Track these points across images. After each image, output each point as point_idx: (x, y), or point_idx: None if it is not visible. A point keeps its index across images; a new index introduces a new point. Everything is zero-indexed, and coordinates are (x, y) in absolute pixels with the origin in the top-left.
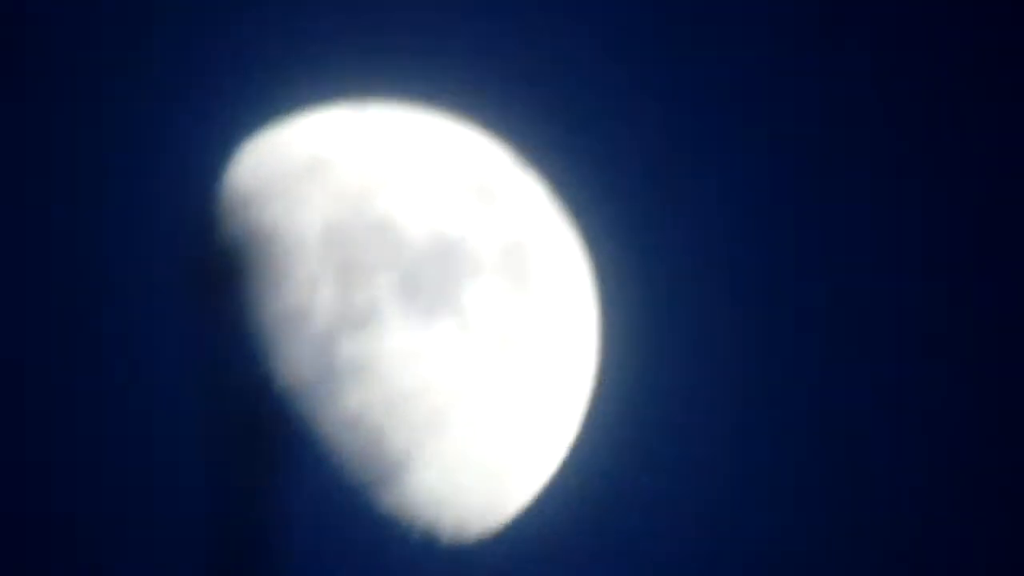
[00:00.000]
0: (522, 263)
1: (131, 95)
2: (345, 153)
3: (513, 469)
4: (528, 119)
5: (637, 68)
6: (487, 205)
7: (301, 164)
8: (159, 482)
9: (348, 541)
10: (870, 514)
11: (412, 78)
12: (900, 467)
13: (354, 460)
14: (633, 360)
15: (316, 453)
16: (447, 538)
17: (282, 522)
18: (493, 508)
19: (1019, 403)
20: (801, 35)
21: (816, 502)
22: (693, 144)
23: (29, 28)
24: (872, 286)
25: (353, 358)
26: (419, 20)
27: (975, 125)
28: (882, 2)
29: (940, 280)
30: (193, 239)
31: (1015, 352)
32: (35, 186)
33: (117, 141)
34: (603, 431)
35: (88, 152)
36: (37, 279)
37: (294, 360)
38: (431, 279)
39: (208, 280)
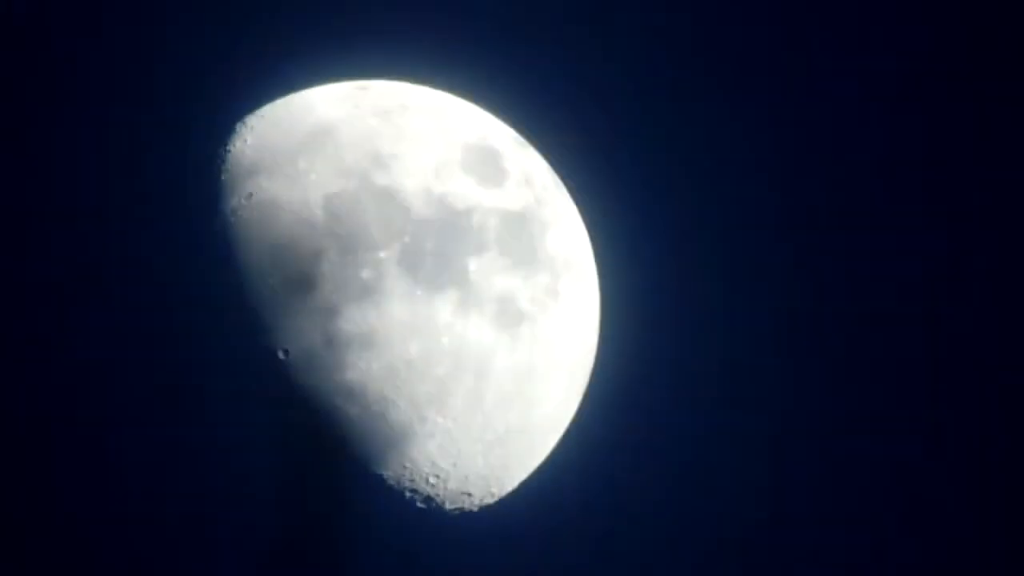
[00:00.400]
0: (525, 235)
1: (137, 66)
2: (349, 126)
3: (516, 440)
4: (531, 94)
5: (640, 42)
6: (491, 177)
7: (305, 136)
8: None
9: (352, 512)
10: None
11: (416, 54)
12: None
13: (357, 431)
14: (636, 332)
15: (320, 424)
16: (451, 508)
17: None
18: (496, 479)
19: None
20: None
21: (819, 467)
22: (697, 118)
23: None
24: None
25: (356, 329)
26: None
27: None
28: None
29: (956, 268)
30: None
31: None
32: (36, 166)
33: (122, 114)
34: (606, 402)
35: (93, 124)
36: (39, 264)
37: (298, 331)
38: (435, 250)
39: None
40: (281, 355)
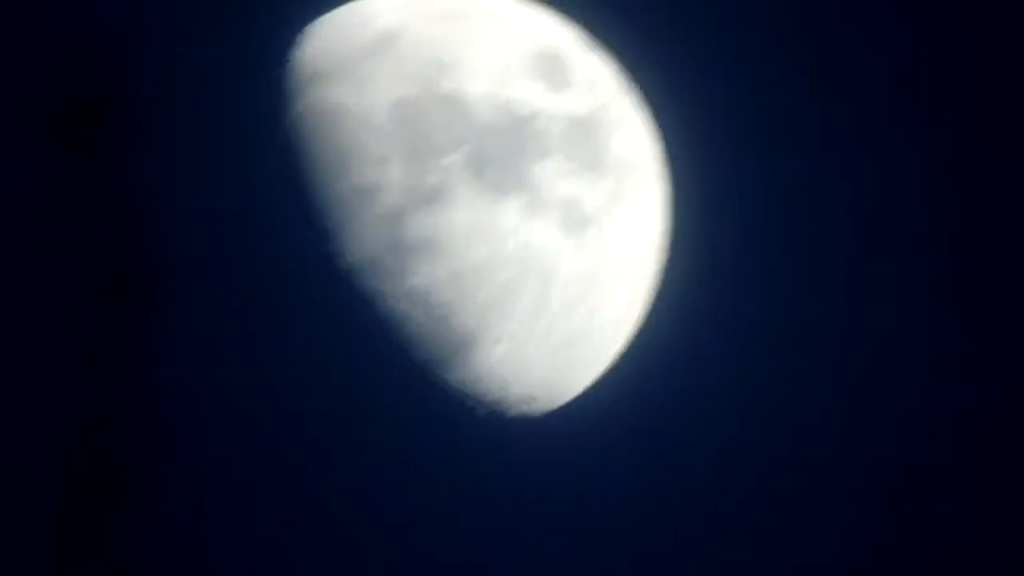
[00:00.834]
0: (591, 140)
1: None
2: (413, 31)
3: (580, 344)
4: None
5: None
6: (556, 82)
7: (369, 42)
8: None
9: (416, 417)
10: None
11: None
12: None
13: (422, 336)
14: (702, 240)
15: (384, 329)
16: (515, 413)
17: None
18: (561, 383)
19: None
20: None
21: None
22: (767, 23)
23: None
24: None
25: (421, 235)
26: None
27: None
28: None
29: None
30: (264, 120)
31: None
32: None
33: (182, 21)
34: (671, 309)
35: (152, 32)
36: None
37: (362, 237)
38: (500, 156)
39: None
40: (347, 260)
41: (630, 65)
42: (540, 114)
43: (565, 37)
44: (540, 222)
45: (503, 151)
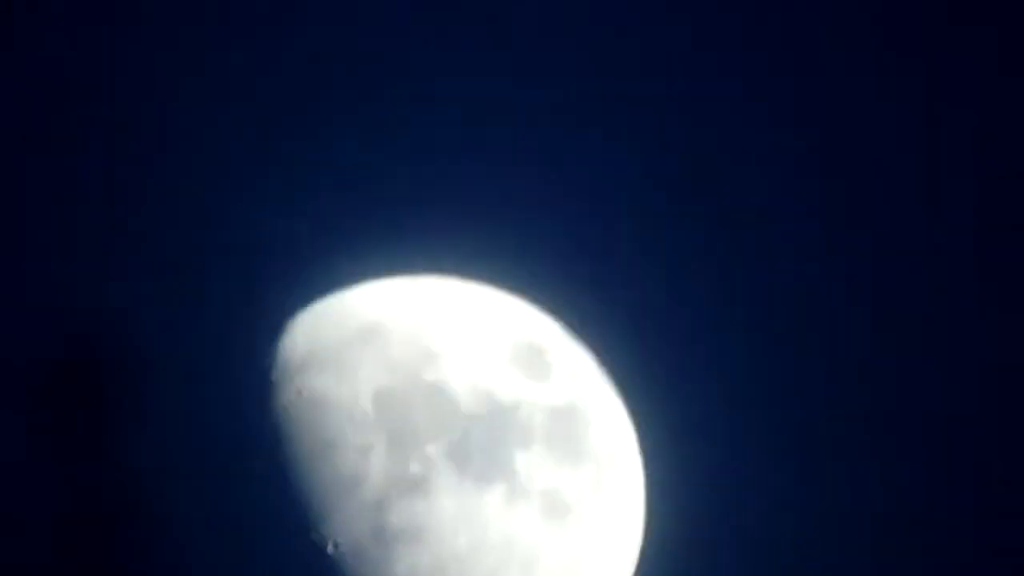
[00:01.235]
0: (572, 429)
1: (188, 263)
2: (398, 321)
3: None
4: (576, 291)
5: (686, 237)
6: (537, 373)
7: (354, 332)
8: None
9: None
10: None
11: (463, 252)
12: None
13: None
14: (681, 526)
15: None
16: None
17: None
18: None
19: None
20: None
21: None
22: (737, 312)
23: None
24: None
25: (405, 523)
26: (470, 197)
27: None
28: None
29: None
30: (248, 406)
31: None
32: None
33: (175, 310)
34: None
35: (150, 319)
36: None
37: (347, 524)
38: (483, 445)
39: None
40: (331, 548)
41: (606, 357)
42: (522, 403)
43: (544, 328)
44: (522, 509)
45: (486, 440)
